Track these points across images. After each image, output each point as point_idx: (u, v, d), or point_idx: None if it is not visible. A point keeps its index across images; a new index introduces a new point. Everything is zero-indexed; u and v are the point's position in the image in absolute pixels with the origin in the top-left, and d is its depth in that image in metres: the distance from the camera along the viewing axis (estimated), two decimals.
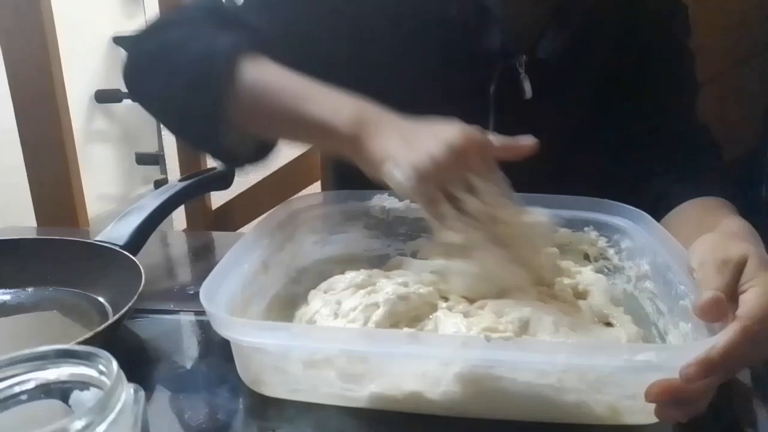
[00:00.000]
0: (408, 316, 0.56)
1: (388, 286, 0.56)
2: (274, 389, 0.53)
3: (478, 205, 0.56)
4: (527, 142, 0.59)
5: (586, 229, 0.71)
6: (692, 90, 0.84)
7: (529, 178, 0.72)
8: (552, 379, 0.48)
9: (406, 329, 0.54)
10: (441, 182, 0.55)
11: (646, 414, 0.47)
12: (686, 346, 0.52)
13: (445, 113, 0.77)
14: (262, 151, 0.71)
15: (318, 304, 0.58)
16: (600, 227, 0.70)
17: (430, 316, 0.56)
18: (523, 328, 0.53)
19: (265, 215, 0.69)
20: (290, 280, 0.68)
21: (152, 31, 0.74)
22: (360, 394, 0.50)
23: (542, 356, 0.47)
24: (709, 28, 0.87)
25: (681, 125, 0.81)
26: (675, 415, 0.46)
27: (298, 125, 0.63)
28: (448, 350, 0.48)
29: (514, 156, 0.59)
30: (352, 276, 0.60)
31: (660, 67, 0.81)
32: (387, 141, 0.57)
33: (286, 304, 0.63)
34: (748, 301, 0.46)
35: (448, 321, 0.54)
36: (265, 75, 0.64)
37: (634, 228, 0.67)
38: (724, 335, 0.44)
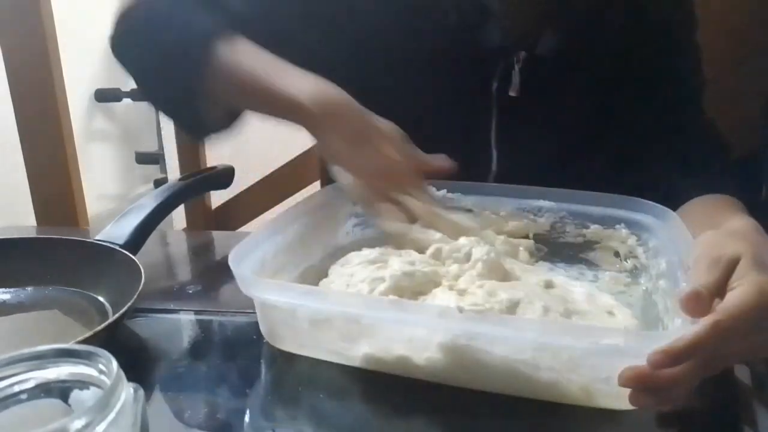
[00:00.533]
0: (411, 290, 0.58)
1: (397, 263, 0.60)
2: (286, 343, 0.58)
3: (414, 202, 0.65)
4: (441, 163, 0.68)
5: (617, 226, 0.71)
6: (698, 85, 0.84)
7: (536, 176, 0.72)
8: (526, 355, 0.49)
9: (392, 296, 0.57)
10: (376, 188, 0.65)
11: (621, 399, 0.47)
12: (653, 334, 0.53)
13: (447, 112, 0.78)
14: (229, 120, 0.77)
15: (334, 276, 0.62)
16: (631, 225, 0.70)
17: (431, 292, 0.59)
18: (511, 309, 0.54)
19: (308, 195, 0.74)
20: (327, 255, 0.70)
21: (138, 2, 0.77)
22: (355, 353, 0.54)
23: (512, 331, 0.49)
24: (709, 28, 0.87)
25: (687, 121, 0.81)
26: (647, 402, 0.47)
27: (266, 99, 0.68)
28: (425, 318, 0.51)
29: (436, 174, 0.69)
30: (366, 253, 0.63)
31: (664, 62, 0.81)
32: (339, 141, 0.65)
33: (321, 276, 0.65)
34: (728, 299, 0.47)
35: (442, 296, 0.57)
36: (240, 53, 0.69)
37: (662, 227, 0.67)
38: (695, 327, 0.45)
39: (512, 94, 0.77)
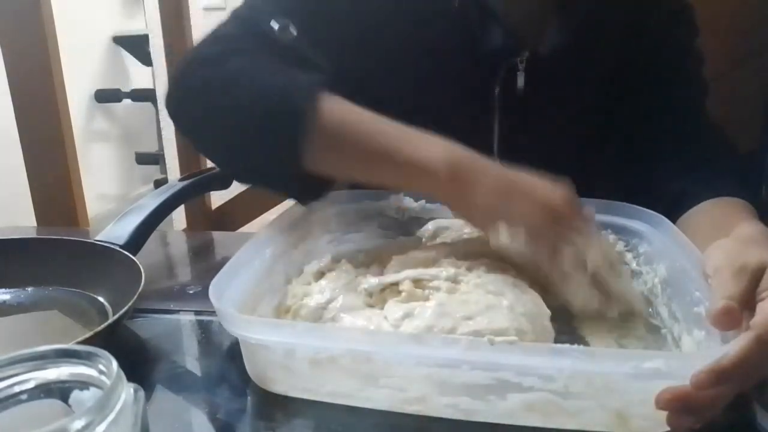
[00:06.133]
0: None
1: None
2: (281, 386, 0.53)
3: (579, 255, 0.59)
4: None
5: (604, 232, 0.69)
6: (701, 90, 0.83)
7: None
8: (558, 384, 0.47)
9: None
10: (547, 241, 0.58)
11: (655, 422, 0.46)
12: (695, 354, 0.51)
13: (449, 117, 0.77)
14: (321, 187, 0.68)
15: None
16: (618, 231, 0.69)
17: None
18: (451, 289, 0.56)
19: (279, 213, 0.70)
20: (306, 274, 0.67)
21: (203, 60, 0.69)
22: (365, 394, 0.50)
23: (547, 361, 0.46)
24: (709, 29, 0.87)
25: (690, 125, 0.80)
26: (686, 423, 0.45)
27: (391, 166, 0.62)
28: (452, 353, 0.47)
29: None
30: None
31: (666, 67, 0.81)
32: (485, 199, 0.59)
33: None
34: (765, 311, 0.45)
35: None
36: (351, 115, 0.63)
37: (653, 232, 0.66)
38: (737, 344, 0.43)
39: (519, 88, 0.76)
